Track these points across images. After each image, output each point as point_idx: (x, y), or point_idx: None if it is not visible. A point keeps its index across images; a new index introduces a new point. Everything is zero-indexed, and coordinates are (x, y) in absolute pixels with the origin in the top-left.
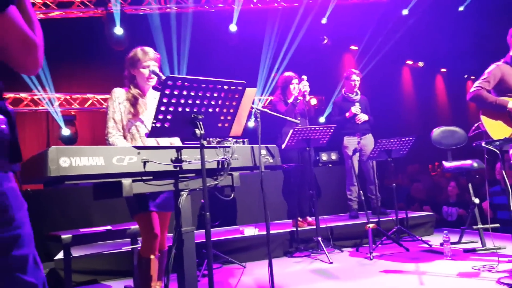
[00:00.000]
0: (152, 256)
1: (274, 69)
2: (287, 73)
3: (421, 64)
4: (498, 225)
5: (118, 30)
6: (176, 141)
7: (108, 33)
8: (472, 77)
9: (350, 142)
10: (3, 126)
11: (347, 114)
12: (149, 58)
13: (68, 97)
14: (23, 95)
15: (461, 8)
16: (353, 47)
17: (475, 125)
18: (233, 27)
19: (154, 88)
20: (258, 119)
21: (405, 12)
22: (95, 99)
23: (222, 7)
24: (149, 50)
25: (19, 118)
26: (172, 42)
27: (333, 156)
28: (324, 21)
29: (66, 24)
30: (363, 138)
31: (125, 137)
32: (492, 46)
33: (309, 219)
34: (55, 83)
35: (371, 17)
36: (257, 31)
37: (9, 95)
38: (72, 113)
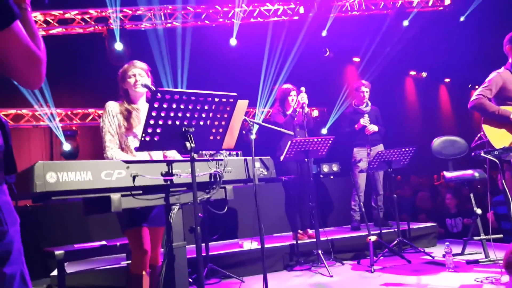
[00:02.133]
0: (143, 272)
1: (276, 81)
2: (285, 85)
3: (424, 74)
4: (501, 235)
5: (118, 46)
6: (174, 154)
7: (108, 49)
8: (476, 87)
9: (360, 154)
10: None
11: (356, 126)
12: (134, 67)
13: (69, 112)
14: (24, 111)
15: (462, 19)
16: (356, 59)
17: (478, 135)
18: (233, 41)
19: (148, 101)
20: (252, 131)
21: (405, 23)
22: (96, 114)
23: (222, 22)
24: (136, 61)
25: (24, 134)
26: (172, 57)
27: (335, 168)
28: (324, 33)
29: (67, 40)
30: (373, 149)
31: (122, 150)
32: (495, 55)
33: (310, 231)
34: (55, 98)
35: (372, 28)
36: (258, 45)
37: (10, 111)
38: (73, 128)
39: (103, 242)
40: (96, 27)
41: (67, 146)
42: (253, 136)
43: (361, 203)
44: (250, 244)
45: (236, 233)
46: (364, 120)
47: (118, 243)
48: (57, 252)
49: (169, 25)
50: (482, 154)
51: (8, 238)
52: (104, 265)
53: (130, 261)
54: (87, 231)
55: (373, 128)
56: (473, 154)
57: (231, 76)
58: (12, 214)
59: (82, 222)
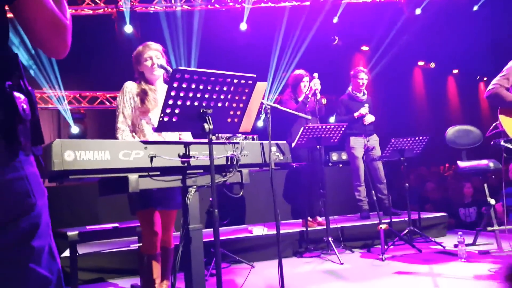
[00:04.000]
0: (153, 253)
1: (286, 68)
2: (298, 71)
3: (432, 65)
4: None
5: (128, 28)
6: (188, 137)
7: (118, 31)
8: (485, 79)
9: (357, 143)
10: (25, 106)
11: (356, 114)
12: (149, 49)
13: (77, 95)
14: None
15: (475, 8)
16: (364, 48)
17: (494, 124)
18: (243, 26)
19: (167, 82)
20: (269, 115)
21: (418, 11)
22: (104, 97)
23: (233, 6)
24: (150, 43)
25: None
26: (182, 41)
27: (344, 156)
28: (335, 20)
29: (76, 21)
30: (368, 138)
31: (135, 132)
32: (506, 47)
33: (319, 219)
34: (64, 80)
35: (382, 17)
36: (268, 31)
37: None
38: (81, 111)
39: (116, 224)
40: (106, 9)
41: (75, 129)
42: (260, 123)
43: (372, 192)
44: (262, 230)
45: (244, 219)
46: (365, 110)
47: (138, 224)
48: (70, 233)
49: (179, 8)
50: (502, 143)
51: (36, 210)
52: (116, 247)
53: (140, 244)
54: (96, 214)
55: (371, 118)
56: (492, 143)
57: (240, 62)
58: (39, 186)
59: (92, 204)
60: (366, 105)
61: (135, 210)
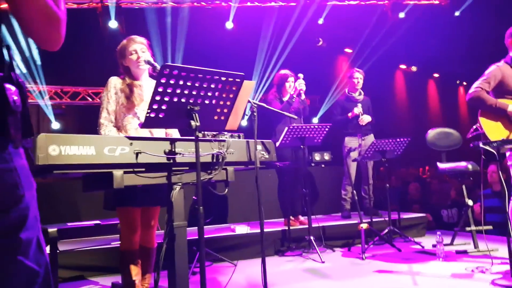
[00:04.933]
0: (132, 250)
1: (270, 67)
2: (283, 71)
3: (414, 68)
4: (491, 227)
5: (113, 24)
6: (173, 132)
7: (102, 26)
8: (464, 83)
9: (351, 143)
10: (15, 98)
11: (349, 114)
12: (134, 43)
13: (59, 90)
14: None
15: (457, 13)
16: (348, 50)
17: (474, 126)
18: (229, 24)
19: (152, 77)
20: (255, 113)
21: (401, 15)
22: (86, 93)
23: (219, 4)
24: (135, 36)
25: None
26: (167, 38)
27: (326, 157)
28: (321, 21)
29: None
30: (364, 138)
31: (118, 128)
32: (486, 52)
33: (301, 218)
34: (46, 75)
35: (366, 20)
36: (254, 30)
37: None
38: (63, 106)
39: (97, 222)
40: (90, 3)
41: (56, 125)
42: (244, 122)
43: (354, 191)
44: (246, 229)
45: (226, 218)
46: (358, 109)
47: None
48: (50, 230)
49: (165, 5)
50: (481, 145)
51: (24, 202)
52: (97, 244)
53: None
54: (77, 211)
55: (367, 118)
56: (471, 145)
57: (225, 60)
58: (28, 178)
59: (73, 200)
60: (359, 105)
61: (113, 206)
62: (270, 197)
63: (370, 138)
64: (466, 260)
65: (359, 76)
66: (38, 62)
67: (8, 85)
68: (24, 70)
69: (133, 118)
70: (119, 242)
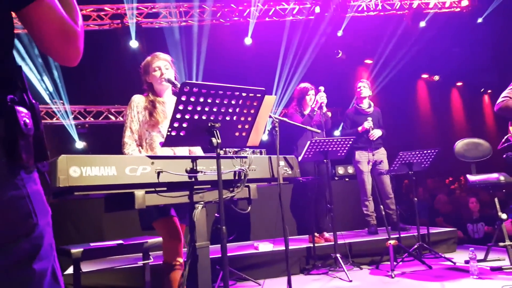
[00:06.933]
0: (180, 260)
1: (291, 81)
2: (303, 84)
3: (436, 78)
4: None
5: (133, 43)
6: (197, 150)
7: (123, 46)
8: (489, 91)
9: (362, 157)
10: (27, 121)
11: (359, 128)
12: (158, 59)
13: (82, 110)
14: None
15: (479, 20)
16: (368, 61)
17: (505, 137)
18: (248, 40)
19: (175, 94)
20: (277, 129)
21: (422, 24)
22: (109, 112)
23: (238, 20)
24: (159, 53)
25: None
26: (187, 56)
27: (350, 170)
28: (340, 33)
29: None
30: (375, 152)
31: (142, 147)
32: (511, 58)
33: (326, 234)
34: (69, 95)
35: (386, 30)
36: (273, 44)
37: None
38: (86, 126)
39: (120, 241)
40: (111, 24)
41: (80, 144)
42: (265, 137)
43: (381, 206)
44: (269, 246)
45: (249, 235)
46: (368, 124)
47: (145, 241)
48: (73, 251)
49: (184, 23)
50: None
51: (37, 231)
52: (120, 264)
53: (147, 261)
54: (101, 230)
55: (377, 133)
56: (504, 156)
57: (245, 76)
58: (42, 205)
59: (96, 220)
60: (370, 119)
61: (152, 220)
62: (294, 213)
63: (382, 152)
64: (502, 278)
65: (361, 85)
66: (61, 82)
67: (19, 108)
68: (51, 89)
69: (157, 136)
70: (144, 262)
